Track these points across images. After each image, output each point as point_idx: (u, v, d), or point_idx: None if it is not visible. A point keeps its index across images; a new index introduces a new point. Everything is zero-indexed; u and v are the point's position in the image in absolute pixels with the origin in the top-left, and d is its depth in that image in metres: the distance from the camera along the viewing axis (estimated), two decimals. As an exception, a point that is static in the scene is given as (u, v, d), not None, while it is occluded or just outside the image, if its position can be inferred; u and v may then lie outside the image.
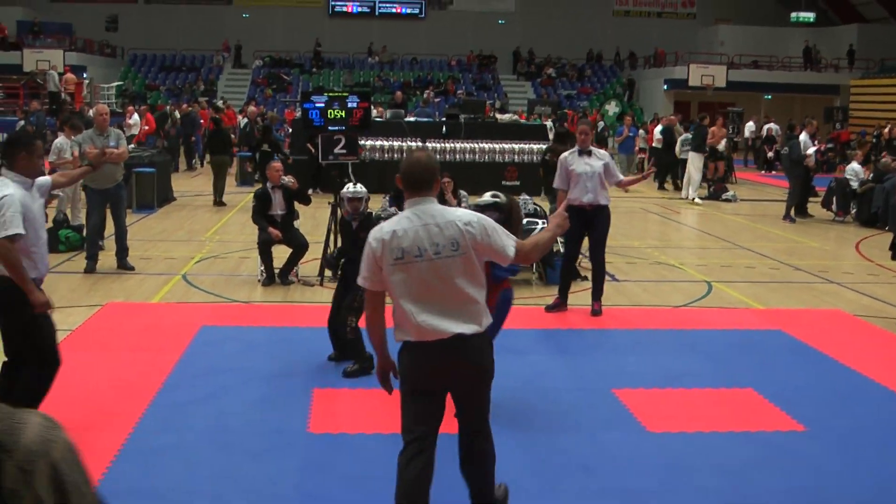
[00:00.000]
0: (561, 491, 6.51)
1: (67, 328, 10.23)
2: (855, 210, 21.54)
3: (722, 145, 26.48)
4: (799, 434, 7.72)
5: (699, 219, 21.93)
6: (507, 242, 5.27)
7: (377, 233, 5.22)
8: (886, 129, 32.31)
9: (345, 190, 9.36)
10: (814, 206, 22.23)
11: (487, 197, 7.60)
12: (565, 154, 11.53)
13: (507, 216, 7.20)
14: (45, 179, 7.50)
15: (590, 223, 11.34)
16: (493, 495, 5.77)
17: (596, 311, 11.47)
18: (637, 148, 31.31)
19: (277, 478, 6.58)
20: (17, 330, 7.10)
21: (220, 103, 36.23)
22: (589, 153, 11.35)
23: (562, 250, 12.29)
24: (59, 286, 12.21)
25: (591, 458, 7.05)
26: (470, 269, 5.20)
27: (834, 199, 21.84)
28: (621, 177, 11.73)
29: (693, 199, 24.47)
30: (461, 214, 5.29)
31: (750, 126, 37.73)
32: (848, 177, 21.71)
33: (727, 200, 24.83)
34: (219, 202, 21.82)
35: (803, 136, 22.47)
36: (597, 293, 11.59)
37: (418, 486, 5.35)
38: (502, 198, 7.59)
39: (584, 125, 11.86)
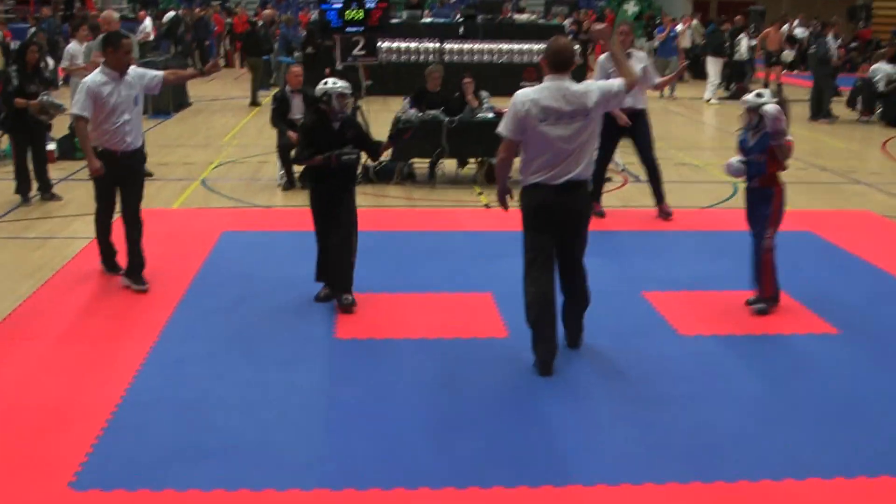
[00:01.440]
0: (597, 398, 6.40)
1: (87, 236, 10.11)
2: (880, 110, 21.16)
3: (785, 53, 25.10)
4: (833, 337, 7.59)
5: (722, 119, 21.59)
6: (614, 81, 6.74)
7: (523, 96, 6.58)
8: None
9: (332, 84, 8.03)
10: (837, 106, 21.83)
11: (753, 97, 7.96)
12: (603, 57, 11.22)
13: (783, 104, 7.87)
14: (154, 74, 8.79)
15: (630, 128, 11.09)
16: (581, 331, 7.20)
17: (666, 213, 11.31)
18: (680, 48, 29.76)
19: (306, 386, 6.50)
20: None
21: (233, 6, 35.73)
22: (629, 56, 11.08)
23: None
24: (76, 193, 12.09)
25: (625, 364, 6.94)
26: (593, 131, 6.69)
27: (859, 98, 21.44)
28: (657, 79, 11.49)
29: (709, 100, 24.15)
30: (585, 87, 6.67)
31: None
32: (873, 76, 21.27)
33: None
34: (254, 102, 21.92)
35: (829, 37, 22.07)
36: (659, 195, 11.38)
37: (546, 299, 6.70)
38: (767, 94, 7.99)
39: (624, 25, 11.50)
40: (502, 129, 6.69)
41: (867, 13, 39.70)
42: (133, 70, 8.62)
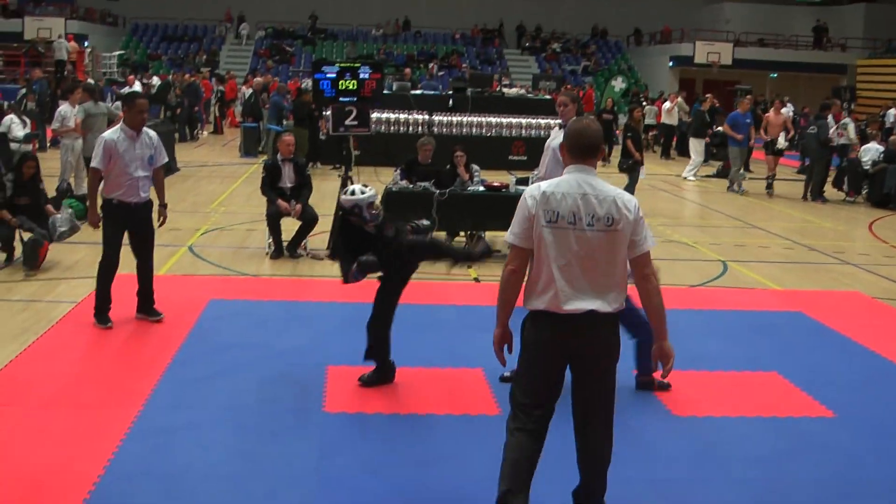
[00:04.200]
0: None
1: (72, 300, 10.00)
2: (866, 191, 21.28)
3: (781, 140, 22.93)
4: (829, 420, 7.50)
5: (709, 197, 21.67)
6: (649, 239, 5.18)
7: (534, 190, 5.14)
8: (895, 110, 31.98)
9: (361, 195, 7.72)
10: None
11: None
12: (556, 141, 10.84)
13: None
14: (163, 154, 9.54)
15: None
16: None
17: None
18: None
19: (295, 459, 6.35)
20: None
21: (223, 74, 35.92)
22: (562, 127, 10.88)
23: None
24: (64, 257, 11.96)
25: (619, 444, 6.77)
26: (618, 247, 5.09)
27: (846, 178, 21.57)
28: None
29: (686, 178, 24.48)
30: (621, 192, 5.16)
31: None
32: (861, 157, 21.42)
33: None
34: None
35: (830, 118, 22.26)
36: None
37: (522, 468, 5.24)
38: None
39: (563, 96, 10.73)
40: (509, 234, 5.18)
41: (852, 94, 40.20)
42: (152, 133, 9.43)
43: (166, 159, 9.68)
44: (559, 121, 10.44)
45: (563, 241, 5.03)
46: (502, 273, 5.19)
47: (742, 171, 22.78)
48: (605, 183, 5.16)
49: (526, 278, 5.18)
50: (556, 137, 10.14)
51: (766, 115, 22.97)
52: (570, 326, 5.05)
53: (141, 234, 9.39)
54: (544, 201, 5.05)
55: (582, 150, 5.18)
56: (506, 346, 5.32)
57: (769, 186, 22.04)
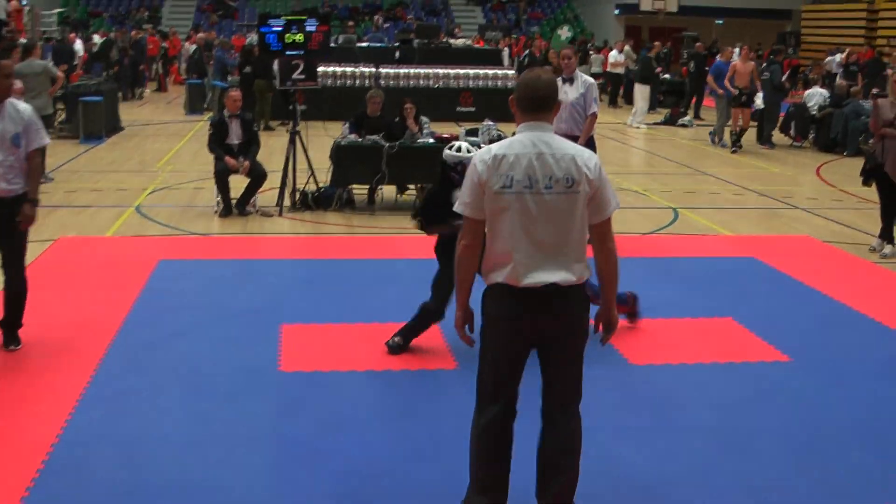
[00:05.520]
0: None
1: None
2: (813, 135, 21.39)
3: (759, 100, 21.19)
4: (786, 365, 7.53)
5: (658, 144, 21.68)
6: (612, 201, 4.72)
7: (484, 154, 4.63)
8: (844, 55, 32.14)
9: (466, 152, 7.33)
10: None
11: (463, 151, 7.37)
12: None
13: None
14: (40, 134, 7.24)
15: None
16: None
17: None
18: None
19: (252, 421, 6.27)
20: None
21: (166, 30, 35.35)
22: (571, 81, 11.04)
23: None
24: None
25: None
26: (580, 211, 4.61)
27: (792, 123, 21.66)
28: (594, 109, 11.22)
29: (636, 125, 24.32)
30: (580, 150, 4.67)
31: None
32: (807, 101, 21.51)
33: (683, 126, 24.66)
34: (267, 127, 21.41)
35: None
36: None
37: (498, 439, 4.88)
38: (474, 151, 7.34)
39: (567, 49, 11.45)
40: (458, 203, 4.70)
41: (796, 40, 40.36)
42: (23, 107, 7.17)
43: (45, 142, 7.28)
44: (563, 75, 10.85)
45: (520, 207, 4.55)
46: (456, 249, 4.75)
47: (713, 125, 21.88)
48: (563, 140, 4.69)
49: (486, 251, 4.74)
50: (567, 91, 10.53)
51: (734, 63, 20.84)
52: (532, 302, 4.60)
53: (3, 238, 7.21)
54: (495, 165, 4.55)
55: (534, 104, 4.63)
56: (467, 326, 4.93)
57: (737, 142, 20.30)
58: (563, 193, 4.57)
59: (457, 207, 4.71)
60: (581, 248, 4.70)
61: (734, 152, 20.12)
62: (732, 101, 20.35)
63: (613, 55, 29.75)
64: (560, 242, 4.62)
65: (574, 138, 10.79)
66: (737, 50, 24.49)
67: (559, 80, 10.98)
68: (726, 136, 21.11)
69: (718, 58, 22.53)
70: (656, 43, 28.15)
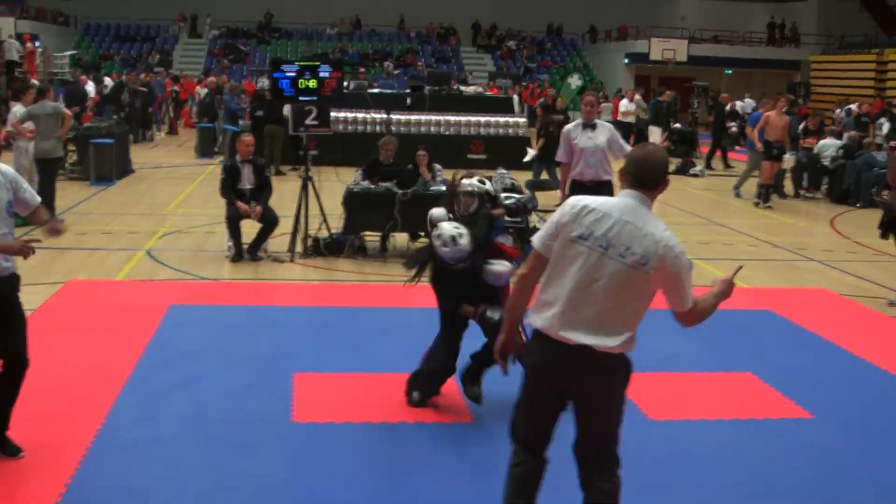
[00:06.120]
0: (574, 487, 6.10)
1: (29, 308, 9.65)
2: (826, 187, 21.30)
3: (791, 159, 20.46)
4: (807, 422, 7.39)
5: (669, 194, 21.39)
6: (690, 293, 4.71)
7: (576, 200, 4.70)
8: (855, 106, 32.09)
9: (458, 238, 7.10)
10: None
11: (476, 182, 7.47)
12: (569, 127, 11.16)
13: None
14: (33, 195, 6.63)
15: None
16: None
17: None
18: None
19: (264, 473, 6.13)
20: None
21: (177, 73, 35.49)
22: (593, 126, 11.01)
23: None
24: (17, 262, 11.61)
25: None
26: (641, 291, 4.63)
27: (805, 174, 21.57)
28: (628, 148, 11.14)
29: None
30: (666, 235, 4.61)
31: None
32: (820, 152, 21.40)
33: (695, 175, 24.58)
34: (278, 172, 21.36)
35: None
36: None
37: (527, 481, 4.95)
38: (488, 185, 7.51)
39: (590, 96, 11.42)
40: (536, 236, 4.77)
41: (806, 90, 40.42)
42: (4, 168, 6.37)
43: (37, 200, 6.63)
44: (581, 120, 10.94)
45: (586, 262, 4.57)
46: (516, 276, 4.89)
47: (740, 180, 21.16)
48: (655, 221, 4.64)
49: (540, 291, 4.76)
50: (579, 134, 10.52)
51: (768, 114, 19.52)
52: (562, 355, 4.60)
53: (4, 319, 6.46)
54: (582, 215, 4.60)
55: (641, 181, 4.69)
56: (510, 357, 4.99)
57: (766, 197, 19.40)
58: (633, 268, 4.56)
59: (532, 239, 4.76)
60: (631, 322, 4.68)
61: (764, 206, 19.32)
62: (764, 154, 19.48)
63: (624, 104, 29.72)
64: (611, 309, 4.58)
65: (603, 183, 10.78)
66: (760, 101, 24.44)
67: (581, 126, 11.00)
68: (745, 187, 20.76)
69: (759, 109, 21.86)
70: (668, 92, 28.15)
